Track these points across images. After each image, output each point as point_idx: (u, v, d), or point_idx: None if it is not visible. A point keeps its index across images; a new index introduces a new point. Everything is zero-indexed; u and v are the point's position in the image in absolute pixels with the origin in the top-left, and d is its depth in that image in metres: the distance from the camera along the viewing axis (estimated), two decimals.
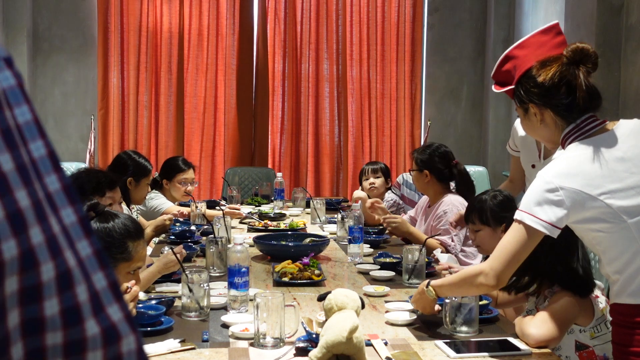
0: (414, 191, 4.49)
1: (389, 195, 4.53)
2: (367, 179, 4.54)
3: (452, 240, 3.35)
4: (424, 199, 3.78)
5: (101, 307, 0.54)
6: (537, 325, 1.94)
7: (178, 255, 2.38)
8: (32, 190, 0.53)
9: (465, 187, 3.56)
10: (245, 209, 4.50)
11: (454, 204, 3.43)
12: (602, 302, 2.06)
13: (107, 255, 1.94)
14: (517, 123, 3.19)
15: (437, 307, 2.10)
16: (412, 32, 6.63)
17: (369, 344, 1.88)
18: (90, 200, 2.14)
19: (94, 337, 0.53)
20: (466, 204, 3.36)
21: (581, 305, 2.02)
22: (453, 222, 3.18)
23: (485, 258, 2.84)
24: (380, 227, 3.76)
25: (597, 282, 2.14)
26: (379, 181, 4.50)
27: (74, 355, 0.53)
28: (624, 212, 1.73)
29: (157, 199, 4.11)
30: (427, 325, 2.11)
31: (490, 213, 2.61)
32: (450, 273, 2.34)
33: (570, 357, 2.06)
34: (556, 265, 2.05)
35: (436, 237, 3.30)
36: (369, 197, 4.05)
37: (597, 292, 2.09)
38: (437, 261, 2.91)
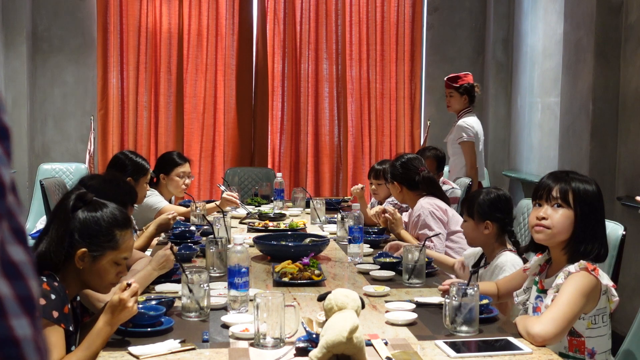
0: None
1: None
2: (370, 183, 4.48)
3: (432, 242, 3.35)
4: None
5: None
6: (544, 323, 1.92)
7: (170, 252, 2.44)
8: None
9: (434, 191, 3.64)
10: (245, 209, 4.50)
11: (424, 207, 3.49)
12: (615, 294, 2.05)
13: (96, 243, 1.96)
14: None
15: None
16: (411, 32, 6.63)
17: (369, 344, 1.88)
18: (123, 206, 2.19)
19: None
20: (439, 203, 3.51)
21: (589, 295, 2.00)
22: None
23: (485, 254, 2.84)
24: (380, 227, 3.76)
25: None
26: (380, 187, 4.38)
27: None
28: None
29: (152, 197, 4.07)
30: (427, 325, 2.11)
31: (477, 208, 2.75)
32: (456, 275, 2.36)
33: (562, 339, 2.05)
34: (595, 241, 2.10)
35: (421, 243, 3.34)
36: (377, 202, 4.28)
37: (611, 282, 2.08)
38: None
